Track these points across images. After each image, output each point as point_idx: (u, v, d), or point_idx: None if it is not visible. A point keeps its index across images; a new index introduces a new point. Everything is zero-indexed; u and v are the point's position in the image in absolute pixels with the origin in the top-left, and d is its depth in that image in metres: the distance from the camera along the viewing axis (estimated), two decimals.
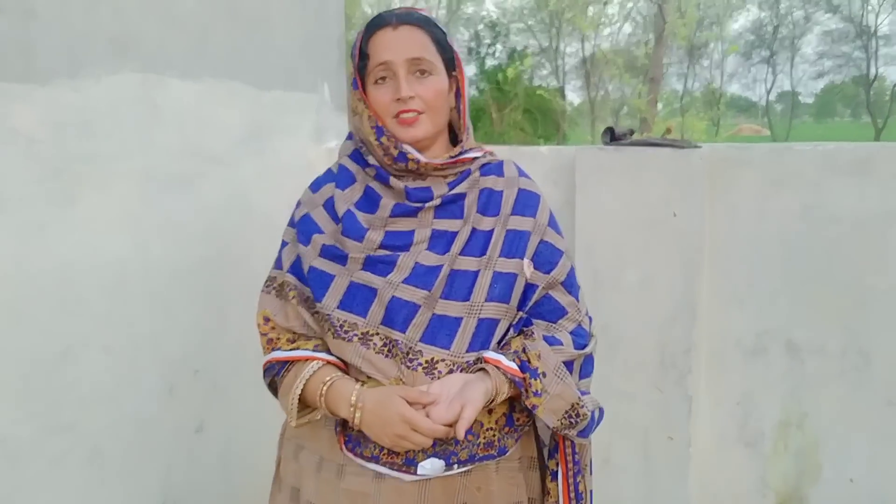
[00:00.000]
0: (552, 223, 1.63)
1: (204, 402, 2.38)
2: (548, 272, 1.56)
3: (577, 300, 1.61)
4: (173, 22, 2.21)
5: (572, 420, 1.49)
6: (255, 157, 2.56)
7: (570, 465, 1.56)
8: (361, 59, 1.53)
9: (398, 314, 1.45)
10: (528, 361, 1.45)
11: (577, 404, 1.48)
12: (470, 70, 33.52)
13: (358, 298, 1.47)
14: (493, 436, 1.49)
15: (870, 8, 31.51)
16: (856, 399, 2.41)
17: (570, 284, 1.61)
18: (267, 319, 1.59)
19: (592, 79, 17.43)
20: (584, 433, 1.53)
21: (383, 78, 1.51)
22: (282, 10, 2.69)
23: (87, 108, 1.96)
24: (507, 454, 1.52)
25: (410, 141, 1.51)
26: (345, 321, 1.48)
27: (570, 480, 1.56)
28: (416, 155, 1.52)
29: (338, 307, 1.48)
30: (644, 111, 14.10)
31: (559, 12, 21.08)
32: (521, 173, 1.66)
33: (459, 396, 1.39)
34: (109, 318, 2.05)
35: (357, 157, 1.60)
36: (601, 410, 1.60)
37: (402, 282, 1.47)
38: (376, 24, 1.53)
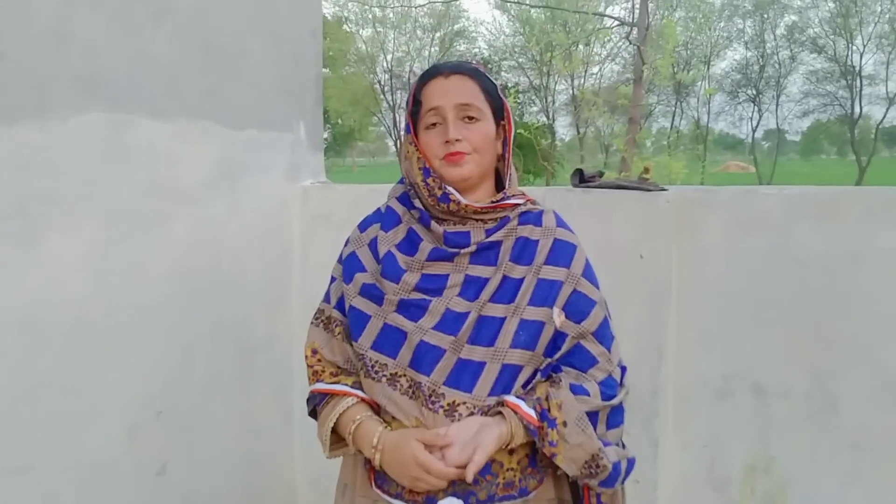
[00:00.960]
0: (587, 274, 1.66)
1: (167, 444, 2.36)
2: (579, 322, 1.59)
3: (609, 350, 1.64)
4: (145, 62, 2.23)
5: (592, 470, 1.50)
6: (227, 197, 2.56)
7: None
8: (415, 105, 1.62)
9: (424, 358, 1.50)
10: (549, 410, 1.48)
11: (598, 455, 1.50)
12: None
13: (390, 340, 1.54)
14: (514, 476, 1.53)
15: (854, 48, 31.99)
16: (822, 442, 2.41)
17: (603, 335, 1.64)
18: (315, 352, 1.67)
19: (581, 117, 17.56)
20: (608, 484, 1.54)
21: (434, 124, 1.59)
22: (258, 50, 2.71)
23: (53, 148, 1.97)
24: (532, 495, 1.54)
25: (457, 179, 1.58)
26: (376, 361, 1.54)
27: None
28: (458, 196, 1.57)
29: (371, 347, 1.55)
30: (623, 150, 14.20)
31: (548, 51, 21.29)
32: (560, 223, 1.70)
33: (473, 440, 1.44)
34: (70, 358, 2.04)
35: (405, 199, 1.67)
36: (630, 461, 1.61)
37: (432, 328, 1.52)
38: (430, 74, 1.62)
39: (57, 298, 1.99)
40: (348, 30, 33.27)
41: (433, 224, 1.59)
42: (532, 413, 1.47)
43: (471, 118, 1.58)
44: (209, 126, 2.46)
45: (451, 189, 1.57)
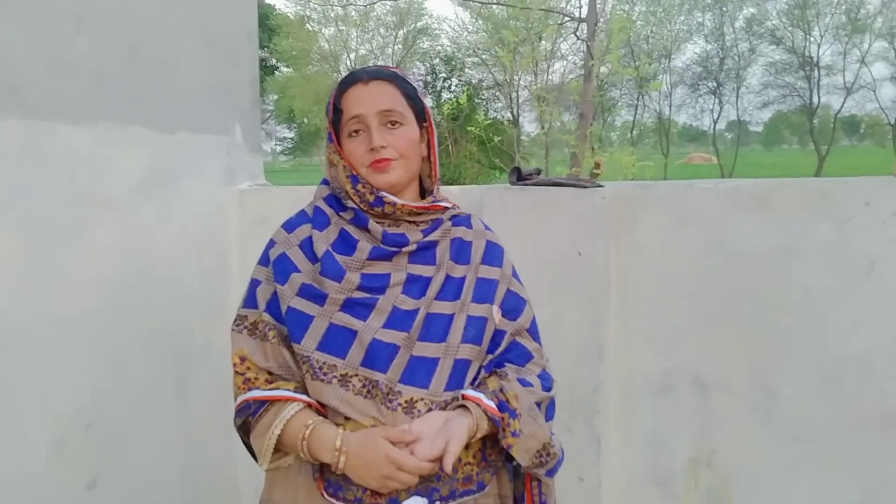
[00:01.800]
0: (515, 274, 1.74)
1: (98, 457, 2.30)
2: (514, 319, 1.66)
3: (540, 346, 1.72)
4: (64, 67, 2.17)
5: (543, 459, 1.56)
6: (158, 202, 2.51)
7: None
8: (335, 113, 1.61)
9: (379, 355, 1.49)
10: (507, 402, 1.51)
11: (549, 444, 1.57)
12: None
13: (337, 340, 1.50)
14: (472, 470, 1.54)
15: (812, 39, 32.40)
16: (764, 435, 2.41)
17: (534, 332, 1.72)
18: (243, 359, 1.59)
19: (544, 113, 17.58)
20: (552, 472, 1.62)
21: (357, 131, 1.58)
22: (188, 53, 2.65)
23: None
24: (486, 490, 1.57)
25: (385, 186, 1.58)
26: (324, 363, 1.50)
27: None
28: (393, 198, 1.58)
29: (317, 349, 1.50)
30: (574, 146, 14.25)
31: (502, 47, 21.32)
32: (486, 227, 1.77)
33: (443, 432, 1.44)
34: None
35: (332, 201, 1.65)
36: (562, 451, 1.66)
37: (382, 326, 1.51)
38: (349, 82, 1.61)
39: None
40: (311, 29, 33.08)
41: (372, 223, 1.59)
42: (493, 405, 1.50)
43: (393, 123, 1.59)
44: (136, 130, 2.41)
45: (384, 192, 1.58)
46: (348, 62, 34.22)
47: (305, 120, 36.14)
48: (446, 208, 1.69)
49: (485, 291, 1.62)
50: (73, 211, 2.20)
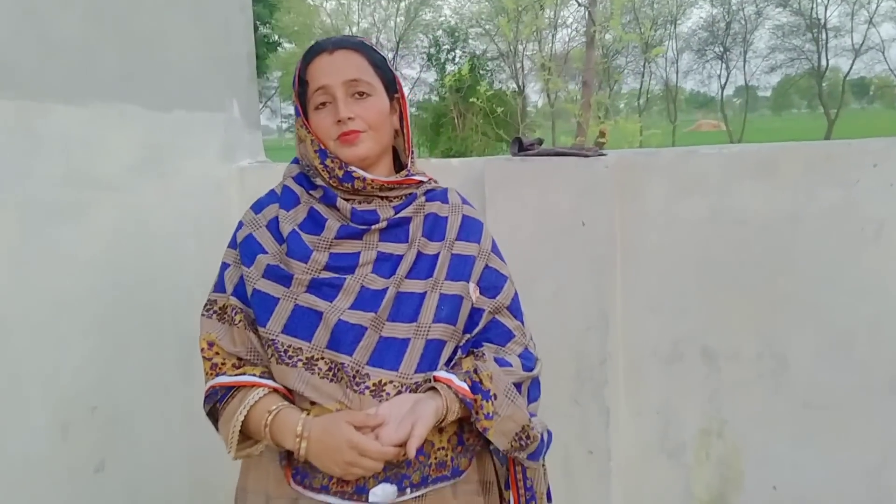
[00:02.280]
0: (495, 250, 1.66)
1: (104, 440, 2.28)
2: (493, 297, 1.58)
3: (523, 324, 1.64)
4: (52, 46, 2.13)
5: (523, 442, 1.49)
6: (155, 181, 2.47)
7: (522, 492, 1.56)
8: (301, 86, 1.55)
9: (344, 337, 1.43)
10: (480, 382, 1.44)
11: (528, 426, 1.49)
12: (430, 76, 33.69)
13: (303, 322, 1.45)
14: (446, 455, 1.48)
15: (819, 1, 31.98)
16: (774, 403, 2.39)
17: (516, 309, 1.63)
18: (211, 344, 1.54)
19: (549, 83, 17.45)
20: (535, 456, 1.53)
21: (323, 103, 1.52)
22: (179, 29, 2.61)
23: None
24: (464, 476, 1.50)
25: (354, 160, 1.52)
26: (289, 346, 1.45)
27: None
28: (362, 173, 1.52)
29: (282, 332, 1.45)
30: (578, 115, 14.11)
31: (514, 16, 21.10)
32: (464, 201, 1.68)
33: (410, 415, 1.38)
34: None
35: (302, 179, 1.59)
36: (549, 433, 1.60)
37: (349, 307, 1.45)
38: (314, 52, 1.55)
39: None
40: (311, 3, 32.85)
41: (339, 201, 1.52)
42: (465, 386, 1.43)
43: (361, 94, 1.52)
44: (130, 109, 2.37)
45: (353, 167, 1.52)
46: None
47: None
48: (420, 182, 1.61)
49: (460, 268, 1.54)
50: (68, 192, 2.16)
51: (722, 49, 35.68)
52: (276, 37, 32.33)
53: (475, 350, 1.52)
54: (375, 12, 33.79)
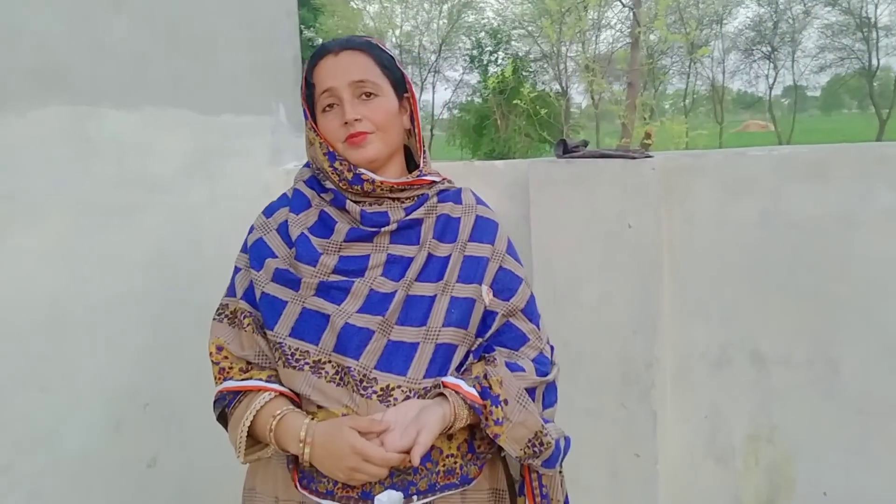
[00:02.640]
0: (511, 251, 1.62)
1: (156, 437, 2.33)
2: (507, 299, 1.55)
3: (538, 328, 1.60)
4: (105, 52, 2.17)
5: (536, 449, 1.44)
6: (204, 184, 2.52)
7: (538, 500, 1.51)
8: (308, 89, 1.56)
9: (350, 341, 1.42)
10: (490, 388, 1.42)
11: (541, 432, 1.45)
12: (473, 78, 33.69)
13: (310, 325, 1.45)
14: (455, 463, 1.45)
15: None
16: (826, 409, 2.34)
17: (531, 312, 1.59)
18: (220, 348, 1.55)
19: (593, 84, 17.34)
20: (550, 463, 1.50)
21: (330, 105, 1.52)
22: (227, 34, 2.65)
23: (11, 145, 1.92)
24: (473, 484, 1.47)
25: (362, 162, 1.51)
26: (296, 349, 1.44)
27: None
28: (372, 175, 1.51)
29: (290, 335, 1.45)
30: (623, 116, 13.99)
31: (557, 18, 21.03)
32: (479, 201, 1.65)
33: (415, 422, 1.36)
34: (45, 355, 2.00)
35: (313, 182, 1.59)
36: (567, 440, 1.57)
37: (357, 311, 1.44)
38: (319, 54, 1.55)
39: (27, 295, 1.95)
40: (355, 6, 33.07)
41: (349, 203, 1.52)
42: (474, 392, 1.41)
43: (368, 94, 1.51)
44: (180, 113, 2.41)
45: (362, 169, 1.51)
46: (393, 38, 34.16)
47: None
48: (433, 182, 1.59)
49: (472, 270, 1.52)
50: (121, 194, 2.21)
51: (769, 49, 35.12)
52: (321, 40, 32.61)
53: (486, 355, 1.49)
54: (418, 15, 33.89)
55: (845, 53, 34.15)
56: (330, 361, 1.43)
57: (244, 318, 1.53)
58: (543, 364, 1.55)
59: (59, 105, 2.03)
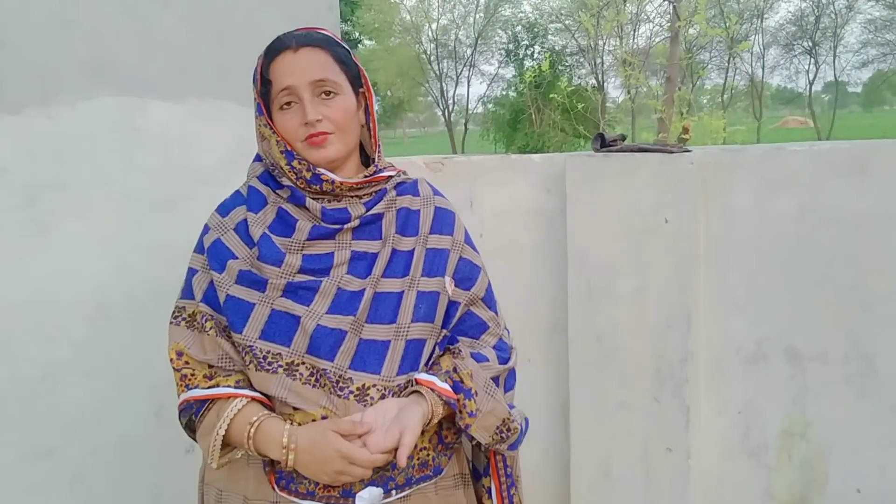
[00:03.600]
0: (468, 240, 1.64)
1: None
2: (468, 288, 1.58)
3: (497, 314, 1.64)
4: (153, 44, 2.22)
5: (503, 435, 1.50)
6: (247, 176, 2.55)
7: (503, 479, 1.58)
8: (264, 84, 1.51)
9: (324, 343, 1.42)
10: (462, 382, 1.45)
11: (508, 419, 1.50)
12: (508, 72, 33.64)
13: (280, 327, 1.43)
14: (428, 455, 1.49)
15: None
16: (861, 406, 2.33)
17: (490, 299, 1.63)
18: (180, 354, 1.51)
19: (630, 78, 17.22)
20: (514, 446, 1.55)
21: (288, 103, 1.48)
22: (271, 27, 2.64)
23: (62, 135, 1.98)
24: (443, 473, 1.52)
25: (322, 162, 1.49)
26: (268, 352, 1.43)
27: (505, 494, 1.58)
28: (331, 176, 1.49)
29: (260, 338, 1.43)
30: (661, 111, 13.87)
31: (595, 11, 20.88)
32: (436, 192, 1.66)
33: (397, 422, 1.38)
34: (90, 342, 2.06)
35: (267, 178, 1.56)
36: (527, 421, 1.61)
37: (327, 311, 1.44)
38: (276, 49, 1.50)
39: (74, 283, 2.01)
40: (392, 0, 33.12)
41: (309, 201, 1.49)
42: (447, 387, 1.44)
43: (328, 93, 1.48)
44: (224, 105, 2.45)
45: (322, 169, 1.48)
46: (430, 32, 34.20)
47: (389, 93, 36.34)
48: (390, 177, 1.58)
49: (436, 263, 1.53)
50: (166, 185, 2.26)
51: (810, 44, 34.62)
52: (357, 34, 32.77)
53: (451, 347, 1.51)
54: (455, 8, 33.91)
55: (888, 49, 33.59)
56: (304, 363, 1.42)
57: (205, 321, 1.49)
58: (503, 350, 1.59)
59: (108, 96, 2.09)
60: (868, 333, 2.29)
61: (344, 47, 1.54)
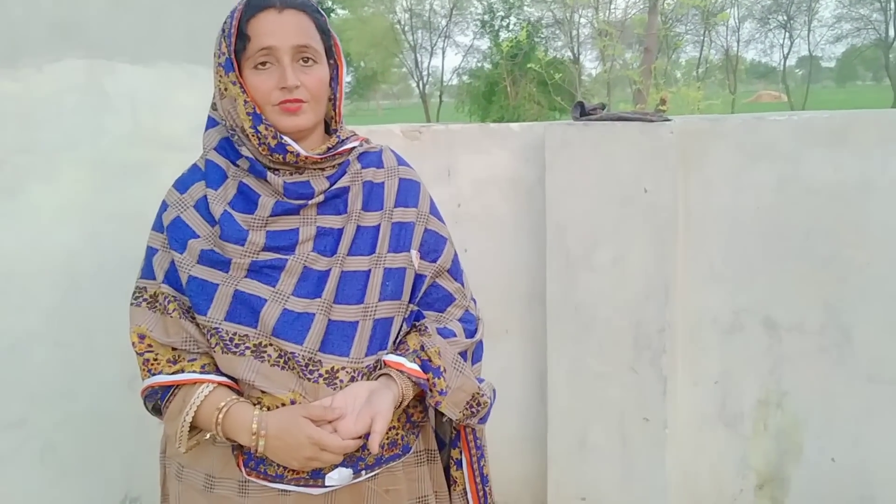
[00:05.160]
0: (433, 210, 1.59)
1: None
2: (434, 261, 1.54)
3: (463, 285, 1.61)
4: (122, 5, 2.15)
5: (473, 409, 1.49)
6: None
7: (473, 451, 1.57)
8: (240, 39, 1.41)
9: (292, 326, 1.38)
10: (430, 360, 1.42)
11: (478, 393, 1.49)
12: (484, 44, 33.42)
13: (245, 309, 1.38)
14: (397, 434, 1.46)
15: None
16: (837, 376, 2.35)
17: (456, 271, 1.60)
18: (142, 337, 1.45)
19: (605, 50, 17.16)
20: (484, 419, 1.54)
21: (264, 63, 1.41)
22: None
23: (28, 98, 1.91)
24: (412, 451, 1.51)
25: (293, 129, 1.42)
26: (234, 333, 1.38)
27: (475, 466, 1.57)
28: (297, 148, 1.42)
29: (225, 319, 1.38)
30: (638, 82, 13.87)
31: None
32: (401, 161, 1.61)
33: (368, 407, 1.35)
34: (60, 311, 2.01)
35: (226, 147, 1.48)
36: (495, 392, 1.59)
37: (293, 293, 1.40)
38: (259, 5, 1.41)
39: (42, 249, 1.96)
40: None
41: (270, 176, 1.42)
42: (416, 367, 1.41)
43: (306, 60, 1.42)
44: (196, 70, 2.38)
45: (288, 140, 1.42)
46: (404, 2, 33.87)
47: (362, 63, 36.02)
48: (352, 148, 1.52)
49: (401, 238, 1.49)
50: (135, 150, 2.20)
51: (785, 17, 34.72)
52: (330, 2, 32.38)
53: (417, 324, 1.49)
54: None
55: (862, 24, 33.82)
56: (271, 344, 1.38)
57: (168, 302, 1.44)
58: (470, 322, 1.57)
59: (76, 59, 2.02)
60: (845, 304, 2.30)
61: (323, 15, 1.48)
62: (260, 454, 1.36)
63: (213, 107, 1.54)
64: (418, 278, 1.51)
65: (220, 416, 1.35)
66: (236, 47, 1.42)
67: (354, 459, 1.39)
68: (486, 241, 2.67)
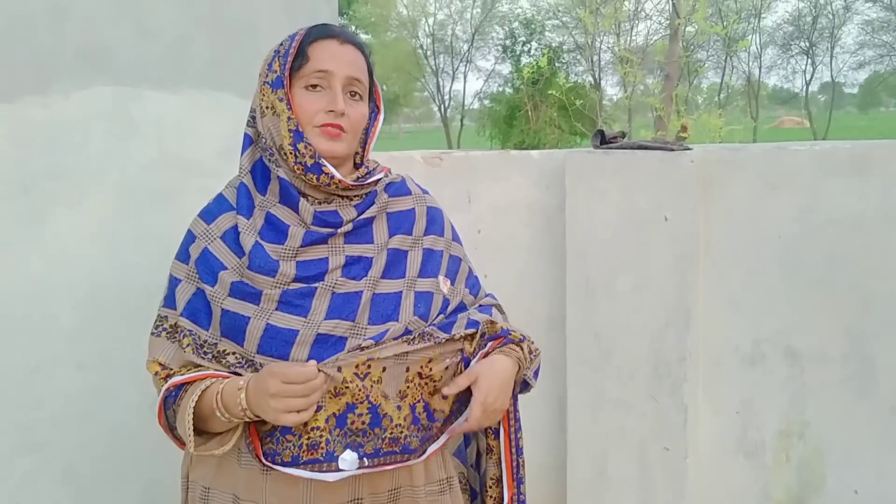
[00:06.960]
0: (455, 236, 1.68)
1: None
2: (475, 295, 1.68)
3: (481, 288, 1.74)
4: (148, 33, 2.19)
5: (532, 356, 1.60)
6: None
7: (512, 422, 1.61)
8: (297, 58, 1.46)
9: (326, 353, 1.39)
10: (505, 329, 1.57)
11: (530, 341, 1.60)
12: (505, 68, 33.58)
13: (278, 341, 1.40)
14: (400, 433, 1.43)
15: None
16: (859, 407, 2.33)
17: (473, 285, 1.70)
18: (163, 366, 1.50)
19: (627, 76, 17.19)
20: (536, 374, 1.66)
21: (315, 86, 1.45)
22: (269, 18, 2.65)
23: (56, 124, 1.95)
24: (414, 458, 1.46)
25: (329, 154, 1.45)
26: (266, 364, 1.40)
27: (512, 437, 1.60)
28: (332, 170, 1.45)
29: (258, 352, 1.41)
30: (659, 109, 13.86)
31: (594, 8, 20.84)
32: (423, 190, 1.67)
33: (472, 370, 1.48)
34: (83, 333, 2.03)
35: (260, 170, 1.51)
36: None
37: (325, 319, 1.41)
38: (323, 33, 1.49)
39: (67, 274, 1.99)
40: None
41: (302, 203, 1.45)
42: (506, 327, 1.58)
43: (354, 94, 1.49)
44: (221, 96, 2.42)
45: (325, 161, 1.44)
46: (426, 27, 34.15)
47: (384, 87, 36.25)
48: (379, 180, 1.57)
49: (431, 264, 1.55)
50: (160, 176, 2.23)
51: (808, 44, 34.66)
52: (354, 28, 32.69)
53: (461, 314, 1.59)
54: (452, 3, 33.88)
55: (885, 50, 33.67)
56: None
57: (183, 336, 1.47)
58: (492, 297, 1.75)
59: (103, 86, 2.06)
60: (867, 334, 2.28)
61: (371, 61, 1.56)
62: (244, 411, 1.34)
63: (249, 123, 1.57)
64: (444, 301, 1.55)
65: (222, 387, 1.37)
66: (292, 66, 1.46)
67: (356, 445, 1.39)
68: (505, 267, 2.68)
